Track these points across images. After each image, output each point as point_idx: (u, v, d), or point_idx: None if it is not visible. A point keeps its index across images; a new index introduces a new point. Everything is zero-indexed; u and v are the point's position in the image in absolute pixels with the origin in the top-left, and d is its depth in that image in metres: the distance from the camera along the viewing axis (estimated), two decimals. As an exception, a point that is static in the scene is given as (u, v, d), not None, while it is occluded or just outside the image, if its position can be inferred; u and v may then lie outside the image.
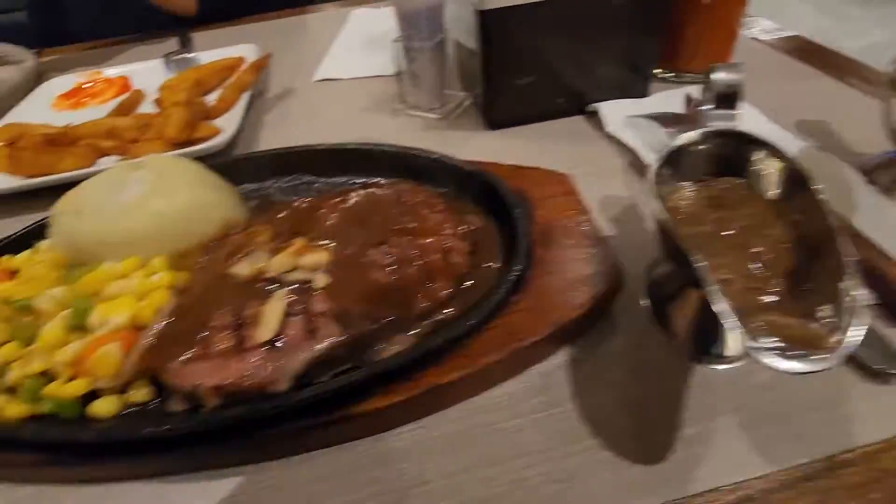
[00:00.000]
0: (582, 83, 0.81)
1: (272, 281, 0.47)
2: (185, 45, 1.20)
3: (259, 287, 0.46)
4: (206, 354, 0.42)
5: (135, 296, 0.48)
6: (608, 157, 0.76)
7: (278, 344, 0.42)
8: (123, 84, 1.10)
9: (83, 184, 0.57)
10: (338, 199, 0.56)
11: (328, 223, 0.53)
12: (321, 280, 0.46)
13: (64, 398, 0.44)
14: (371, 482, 0.42)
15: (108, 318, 0.45)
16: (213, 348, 0.42)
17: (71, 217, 0.52)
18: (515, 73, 0.77)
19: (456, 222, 0.55)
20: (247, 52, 1.11)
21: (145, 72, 1.13)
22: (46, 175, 0.77)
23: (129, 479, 0.43)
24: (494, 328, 0.47)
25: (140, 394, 0.45)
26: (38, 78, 1.19)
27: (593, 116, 0.83)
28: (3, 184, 0.78)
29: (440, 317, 0.48)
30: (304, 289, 0.46)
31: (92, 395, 0.45)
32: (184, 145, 0.82)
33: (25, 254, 0.60)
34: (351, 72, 1.09)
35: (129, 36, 1.40)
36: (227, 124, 0.86)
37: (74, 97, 1.08)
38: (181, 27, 1.27)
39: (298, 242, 0.48)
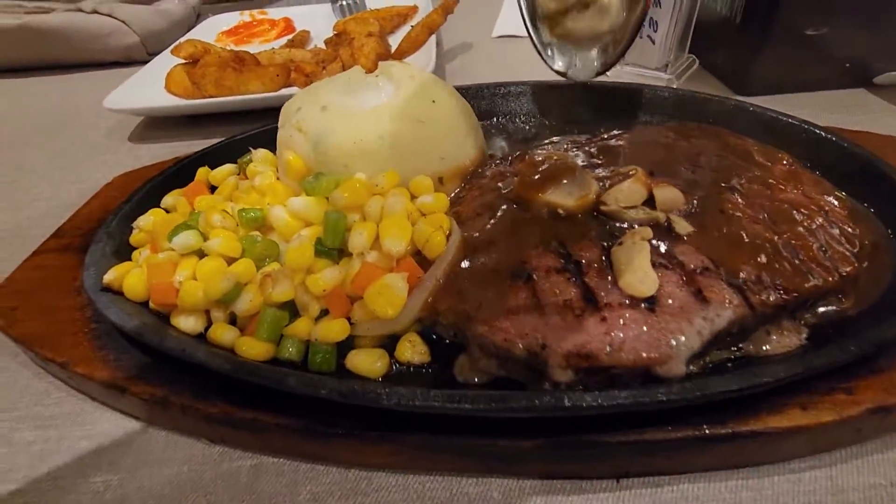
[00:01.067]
0: (880, 46, 0.64)
1: (606, 216, 0.33)
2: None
3: (591, 222, 0.32)
4: (538, 306, 0.29)
5: (408, 218, 0.35)
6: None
7: (658, 306, 0.28)
8: (287, 25, 1.02)
9: (315, 84, 0.46)
10: (647, 136, 0.42)
11: (650, 159, 0.38)
12: (682, 225, 0.32)
13: (323, 342, 0.31)
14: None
15: (383, 243, 0.33)
16: (548, 298, 0.29)
17: (315, 112, 0.41)
18: (810, 20, 0.61)
19: (819, 181, 0.39)
20: (418, 1, 1.01)
21: (308, 15, 1.06)
22: (229, 97, 0.68)
23: (385, 467, 0.30)
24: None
25: (416, 352, 0.32)
26: (197, 17, 1.15)
27: (880, 90, 0.66)
28: (174, 103, 0.71)
29: (835, 305, 0.33)
30: (667, 233, 0.31)
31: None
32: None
33: (225, 168, 0.50)
34: (534, 30, 0.96)
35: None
36: (420, 62, 0.75)
37: (238, 34, 1.01)
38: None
39: (640, 172, 0.34)
